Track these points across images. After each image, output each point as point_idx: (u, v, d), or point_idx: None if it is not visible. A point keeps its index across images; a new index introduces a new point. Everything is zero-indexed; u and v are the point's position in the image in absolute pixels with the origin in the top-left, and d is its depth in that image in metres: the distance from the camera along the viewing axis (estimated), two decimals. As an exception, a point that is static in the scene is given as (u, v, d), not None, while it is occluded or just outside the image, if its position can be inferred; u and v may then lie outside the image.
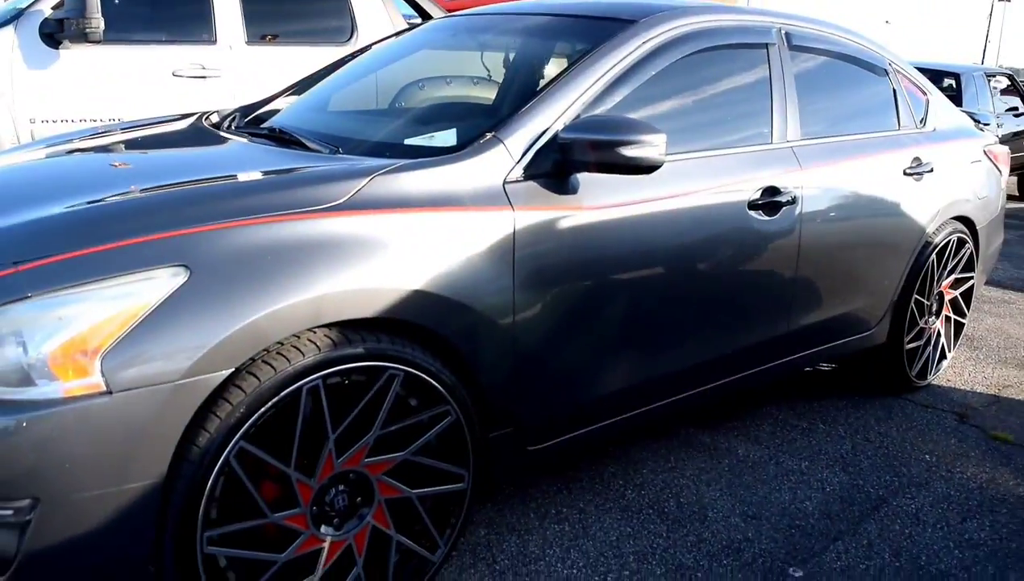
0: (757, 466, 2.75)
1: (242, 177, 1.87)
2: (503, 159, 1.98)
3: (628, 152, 1.93)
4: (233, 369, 1.56)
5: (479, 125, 2.13)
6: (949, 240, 3.23)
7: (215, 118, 2.74)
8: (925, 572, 2.25)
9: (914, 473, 2.76)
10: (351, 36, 5.12)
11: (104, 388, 1.45)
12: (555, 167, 2.03)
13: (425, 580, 1.95)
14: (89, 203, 1.71)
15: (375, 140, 2.21)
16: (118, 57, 4.38)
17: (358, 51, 3.09)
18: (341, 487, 1.79)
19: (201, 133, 2.49)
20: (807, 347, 2.85)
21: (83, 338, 1.46)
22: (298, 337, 1.64)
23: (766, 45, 2.67)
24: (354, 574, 1.82)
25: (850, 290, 2.90)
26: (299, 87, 3.01)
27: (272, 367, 1.60)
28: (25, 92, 4.18)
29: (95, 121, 4.32)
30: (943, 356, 3.50)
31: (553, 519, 2.38)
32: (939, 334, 3.43)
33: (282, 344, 1.63)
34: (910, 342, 3.25)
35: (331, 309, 1.65)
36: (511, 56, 2.69)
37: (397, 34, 3.23)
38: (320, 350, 1.65)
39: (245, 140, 2.30)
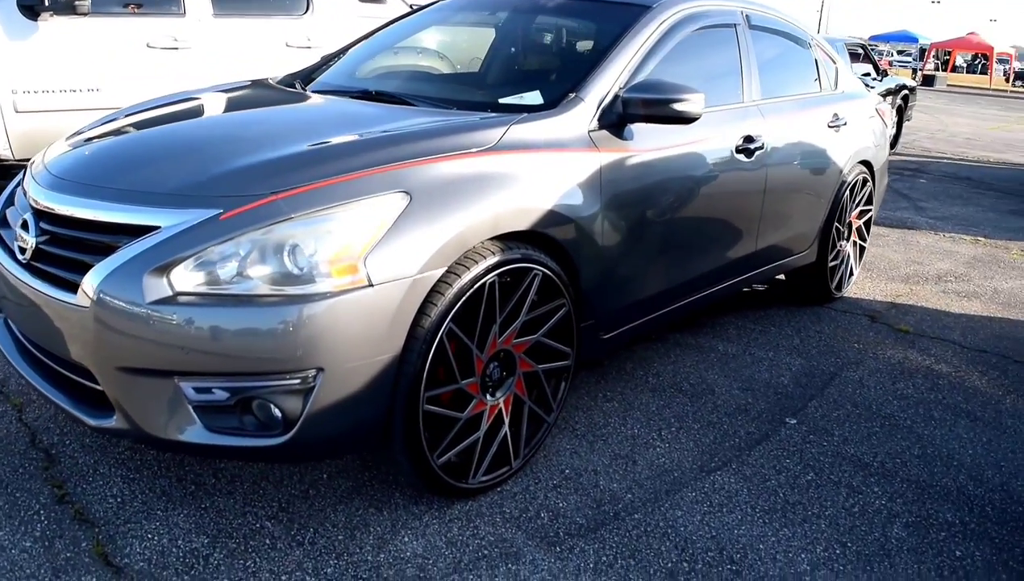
0: (736, 357, 3.55)
1: (407, 127, 2.39)
2: (586, 113, 2.60)
3: (679, 107, 2.60)
4: (446, 268, 2.11)
5: (549, 87, 2.74)
6: (857, 179, 4.15)
7: (276, 83, 3.19)
8: (877, 414, 3.11)
9: (850, 355, 3.65)
10: (306, 10, 5.48)
11: (367, 282, 1.97)
12: (618, 119, 2.67)
13: (543, 437, 2.58)
14: (311, 146, 2.20)
15: (472, 99, 2.76)
16: (94, 28, 4.57)
17: (391, 22, 3.60)
18: (495, 363, 2.38)
19: (298, 95, 2.94)
20: (767, 263, 3.67)
21: (350, 245, 1.96)
22: (476, 246, 2.21)
23: (735, 25, 3.42)
24: (503, 431, 2.42)
25: (795, 218, 3.73)
26: (333, 57, 3.48)
27: (467, 267, 2.16)
28: (5, 63, 4.30)
29: (75, 91, 4.50)
30: (851, 273, 4.45)
31: (603, 399, 3.06)
32: (849, 255, 4.37)
33: (466, 252, 2.19)
34: (831, 261, 4.15)
35: (503, 223, 2.23)
36: (552, 32, 3.29)
37: (412, 12, 3.74)
38: (495, 254, 2.22)
39: (351, 100, 2.79)
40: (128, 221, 2.02)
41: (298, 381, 1.95)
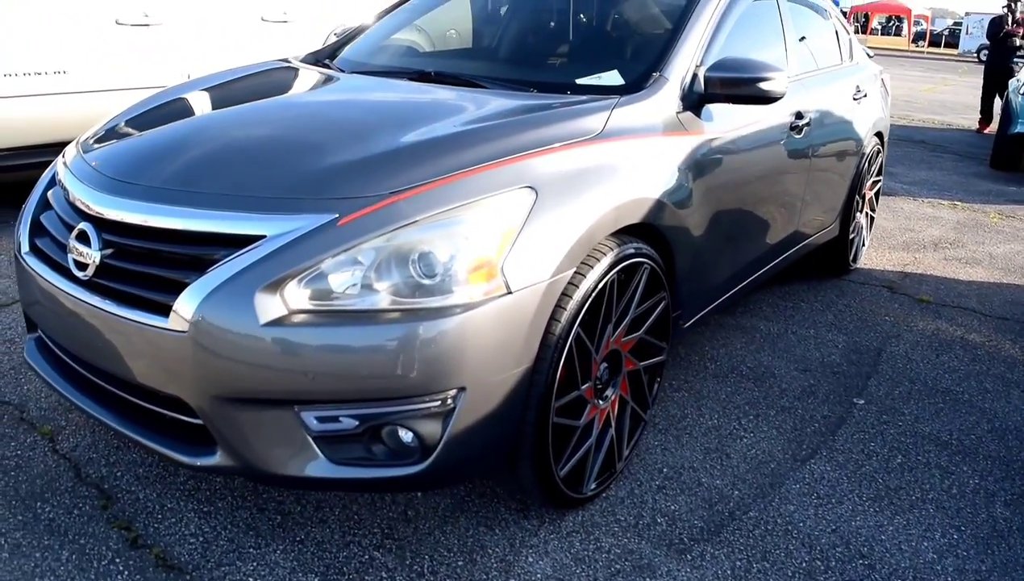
0: (781, 336, 3.50)
1: (507, 113, 2.19)
2: (672, 94, 2.46)
3: (764, 86, 2.48)
4: (574, 270, 1.95)
5: (626, 66, 2.58)
6: (873, 150, 4.15)
7: (304, 63, 2.93)
8: (935, 389, 3.11)
9: (886, 329, 3.66)
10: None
11: (506, 289, 1.79)
12: (699, 100, 2.54)
13: (640, 436, 2.46)
14: (413, 138, 1.99)
15: (547, 80, 2.57)
16: (58, 5, 4.11)
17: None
18: (604, 364, 2.23)
19: (353, 79, 2.69)
20: (805, 239, 3.62)
21: (486, 249, 1.78)
22: (598, 244, 2.04)
23: (776, -3, 3.32)
24: (610, 434, 2.28)
25: (828, 193, 3.70)
26: (355, 35, 3.22)
27: (590, 266, 2.00)
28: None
29: (40, 74, 4.06)
30: (863, 244, 4.47)
31: (672, 390, 2.96)
32: (863, 227, 4.38)
33: (591, 251, 2.02)
34: (851, 234, 4.15)
35: (623, 216, 2.08)
36: (608, 6, 3.10)
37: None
38: (612, 250, 2.07)
39: (413, 82, 2.56)
40: (226, 230, 1.78)
41: (438, 403, 1.76)
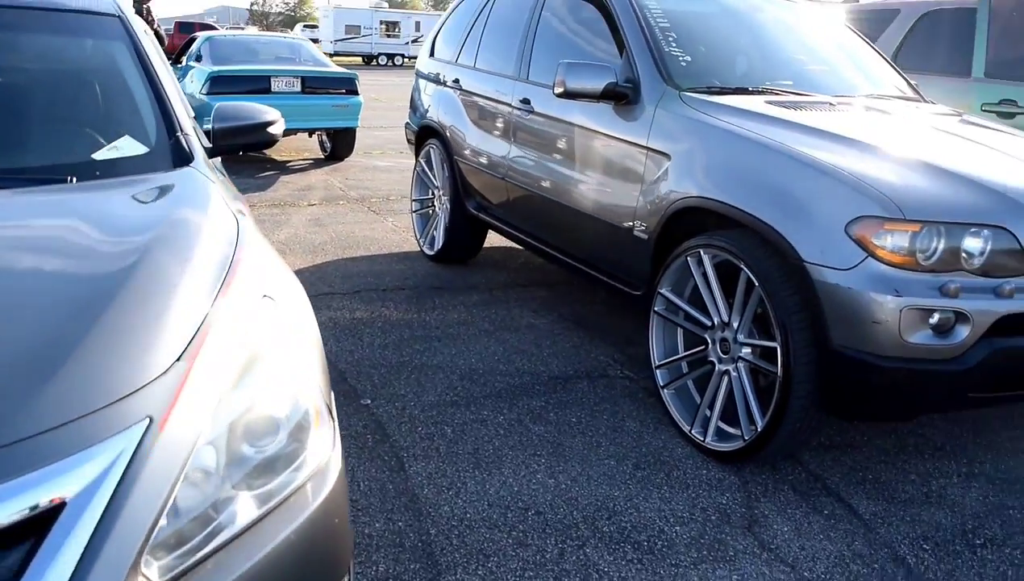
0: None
1: (126, 223, 1.68)
2: (202, 155, 2.24)
3: (272, 129, 2.48)
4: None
5: (127, 130, 2.21)
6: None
7: None
8: (398, 366, 3.66)
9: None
10: None
11: (331, 414, 1.58)
12: (210, 154, 2.37)
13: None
14: (109, 279, 1.43)
15: (58, 162, 1.93)
16: None
17: None
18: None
19: None
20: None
21: (309, 385, 1.53)
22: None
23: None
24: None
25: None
26: None
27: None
28: None
29: None
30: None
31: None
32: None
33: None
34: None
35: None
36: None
37: None
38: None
39: None
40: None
41: None
